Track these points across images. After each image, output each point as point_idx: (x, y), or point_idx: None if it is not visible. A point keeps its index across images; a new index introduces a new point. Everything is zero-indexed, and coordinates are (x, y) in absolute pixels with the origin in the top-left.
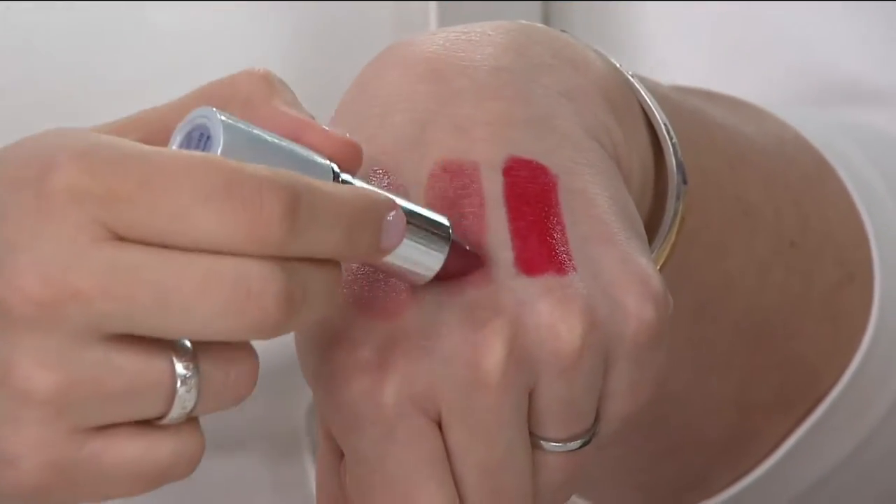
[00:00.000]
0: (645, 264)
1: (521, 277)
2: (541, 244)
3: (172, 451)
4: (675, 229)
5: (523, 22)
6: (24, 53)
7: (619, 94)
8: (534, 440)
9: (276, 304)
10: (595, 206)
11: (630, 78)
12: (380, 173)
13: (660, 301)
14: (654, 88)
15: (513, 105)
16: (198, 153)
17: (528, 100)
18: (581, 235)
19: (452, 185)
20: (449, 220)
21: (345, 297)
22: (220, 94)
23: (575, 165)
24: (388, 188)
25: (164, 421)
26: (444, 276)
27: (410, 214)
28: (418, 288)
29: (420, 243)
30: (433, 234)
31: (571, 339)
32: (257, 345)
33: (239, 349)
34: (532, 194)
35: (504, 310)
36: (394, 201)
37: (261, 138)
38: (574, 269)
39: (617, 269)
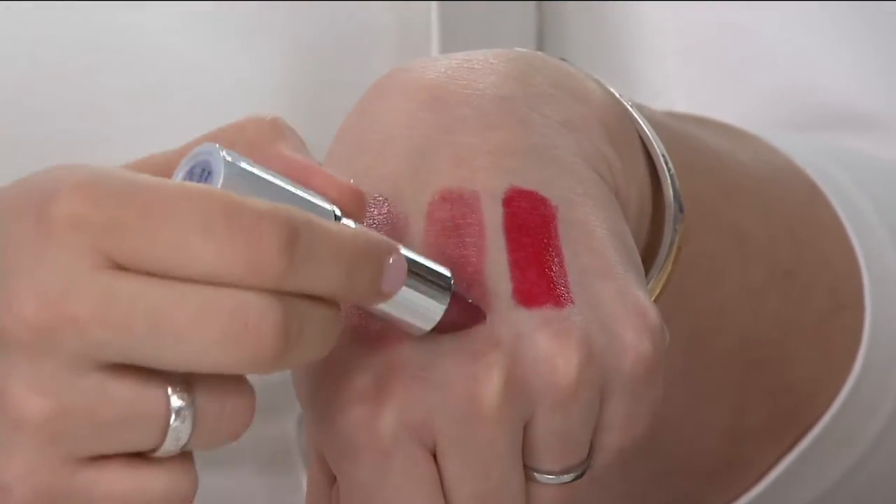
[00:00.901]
0: (642, 297)
1: (520, 309)
2: (539, 276)
3: (164, 487)
4: (671, 258)
5: (523, 50)
6: (19, 64)
7: (618, 124)
8: (528, 471)
9: (273, 336)
10: (594, 238)
11: (629, 107)
12: (380, 200)
13: (657, 334)
14: (651, 116)
15: (514, 134)
16: (199, 185)
17: (529, 129)
18: (580, 267)
19: (453, 214)
20: (451, 273)
21: (343, 324)
22: (227, 138)
23: (575, 196)
24: (387, 216)
25: (158, 453)
26: (444, 328)
27: (412, 263)
28: None
29: (420, 292)
30: (434, 284)
31: (568, 373)
32: None
33: (235, 383)
34: (532, 225)
35: (502, 342)
36: (396, 246)
37: (262, 177)
38: (572, 301)
39: (615, 302)
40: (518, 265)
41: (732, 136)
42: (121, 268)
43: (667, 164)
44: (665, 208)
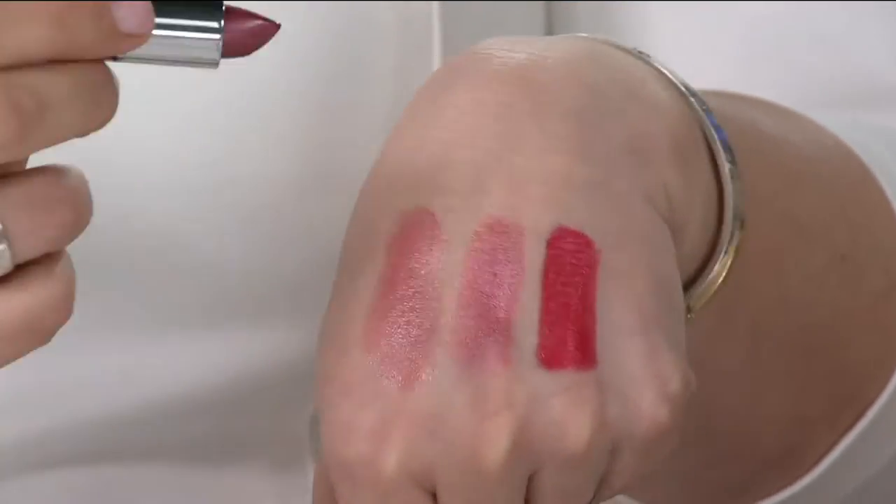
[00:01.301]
0: (669, 361)
1: (541, 370)
2: (567, 337)
3: (24, 305)
4: (728, 261)
5: (599, 41)
6: None
7: (688, 136)
8: None
9: (2, 117)
10: (632, 291)
11: (701, 112)
12: (430, 215)
13: (676, 402)
14: (716, 109)
15: (574, 162)
16: None
17: (589, 156)
18: (611, 323)
19: (496, 247)
20: None
21: (365, 344)
22: None
23: (622, 238)
24: (432, 235)
25: None
26: (235, 51)
27: None
28: (438, 360)
29: (188, 26)
30: (204, 10)
31: (578, 442)
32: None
33: (36, 175)
34: (572, 271)
35: (516, 404)
36: None
37: None
38: (595, 365)
39: (639, 365)
40: (549, 319)
41: (782, 116)
42: None
43: (732, 170)
44: (724, 219)
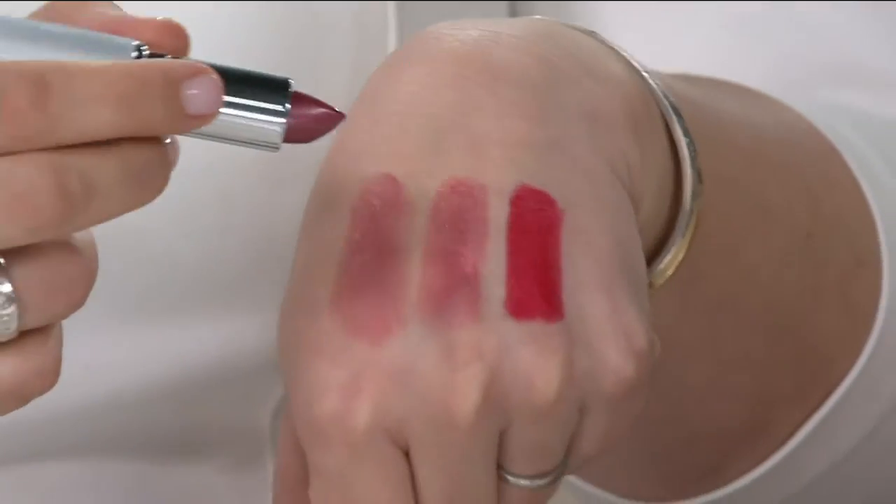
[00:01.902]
0: (634, 317)
1: (509, 320)
2: (534, 287)
3: (14, 370)
4: (687, 237)
5: (552, 22)
6: None
7: (643, 109)
8: (500, 473)
9: (50, 199)
10: (595, 248)
11: (655, 87)
12: (391, 179)
13: (643, 357)
14: (674, 88)
15: (532, 125)
16: None
17: (547, 121)
18: (576, 278)
19: (459, 206)
20: (289, 78)
21: (334, 305)
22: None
23: (584, 199)
24: (394, 196)
25: None
26: (299, 138)
27: (238, 78)
28: (406, 314)
29: (255, 107)
30: (271, 94)
31: (547, 391)
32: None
33: (56, 251)
34: (536, 229)
35: (486, 354)
36: (201, 66)
37: (38, 29)
38: (562, 316)
39: (604, 320)
40: (515, 271)
41: (747, 97)
42: None
43: (690, 145)
44: (683, 193)
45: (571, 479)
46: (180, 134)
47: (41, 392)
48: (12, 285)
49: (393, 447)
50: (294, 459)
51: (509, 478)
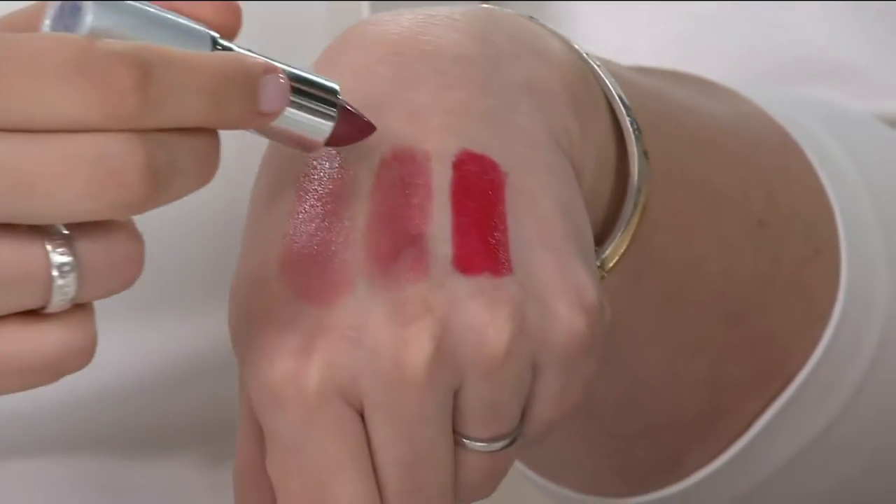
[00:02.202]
0: (582, 273)
1: (457, 276)
2: (480, 243)
3: (60, 341)
4: (634, 220)
5: (489, 6)
6: None
7: (582, 85)
8: (457, 438)
9: (139, 178)
10: (540, 209)
11: (596, 67)
12: (332, 154)
13: (592, 312)
14: (619, 74)
15: (471, 95)
16: (48, 34)
17: (486, 91)
18: (522, 237)
19: (402, 173)
20: (338, 84)
21: (282, 273)
22: None
23: (526, 163)
24: (338, 169)
25: (48, 310)
26: (336, 142)
27: (296, 79)
28: (353, 275)
29: (306, 109)
30: (321, 98)
31: (498, 344)
32: (196, 335)
33: (119, 230)
34: (479, 190)
35: (435, 308)
36: (272, 65)
37: (133, 10)
38: (510, 271)
39: (553, 276)
40: (460, 230)
41: (704, 88)
42: None
43: (633, 124)
44: (630, 171)
45: (531, 474)
46: (248, 129)
47: (77, 369)
48: (75, 257)
49: (347, 408)
50: (252, 444)
51: (466, 442)
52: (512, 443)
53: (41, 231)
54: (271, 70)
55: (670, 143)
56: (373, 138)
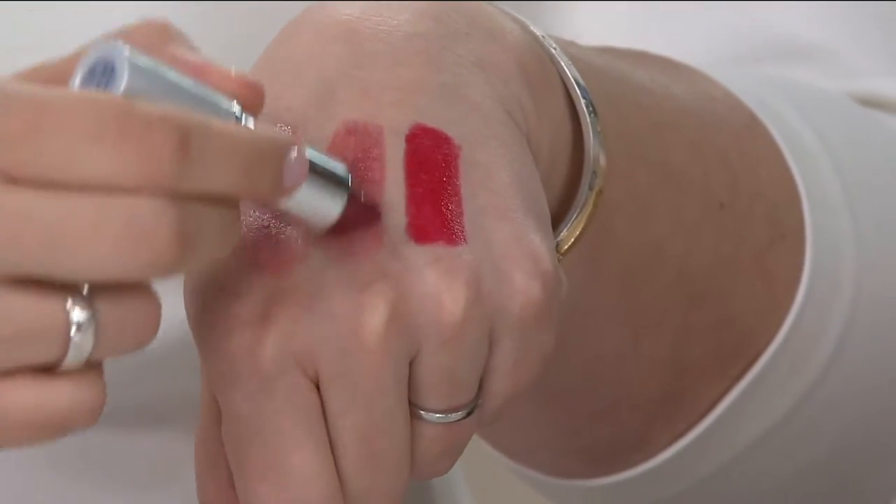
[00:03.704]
0: (538, 243)
1: (411, 245)
2: (434, 213)
3: (71, 399)
4: (590, 202)
5: None
6: None
7: (536, 65)
8: (413, 409)
9: (168, 242)
10: (495, 180)
11: (551, 49)
12: (285, 130)
13: (549, 280)
14: (577, 56)
15: (424, 72)
16: (87, 92)
17: (440, 67)
18: (477, 208)
19: (355, 147)
20: (349, 170)
21: (238, 248)
22: None
23: (480, 137)
24: (294, 143)
25: (62, 367)
26: (340, 227)
27: (312, 157)
28: (307, 246)
29: (320, 189)
30: (334, 181)
31: (454, 310)
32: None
33: (138, 292)
34: (432, 163)
35: (390, 275)
36: (297, 141)
37: (165, 75)
38: (465, 240)
39: (509, 245)
40: (414, 200)
41: (668, 69)
42: (12, 181)
43: (589, 106)
44: (585, 154)
45: (503, 458)
46: (267, 202)
47: (83, 428)
48: (94, 315)
49: (303, 378)
50: (211, 416)
51: (422, 413)
52: (468, 415)
53: (63, 287)
54: (292, 146)
55: (629, 125)
56: (325, 113)
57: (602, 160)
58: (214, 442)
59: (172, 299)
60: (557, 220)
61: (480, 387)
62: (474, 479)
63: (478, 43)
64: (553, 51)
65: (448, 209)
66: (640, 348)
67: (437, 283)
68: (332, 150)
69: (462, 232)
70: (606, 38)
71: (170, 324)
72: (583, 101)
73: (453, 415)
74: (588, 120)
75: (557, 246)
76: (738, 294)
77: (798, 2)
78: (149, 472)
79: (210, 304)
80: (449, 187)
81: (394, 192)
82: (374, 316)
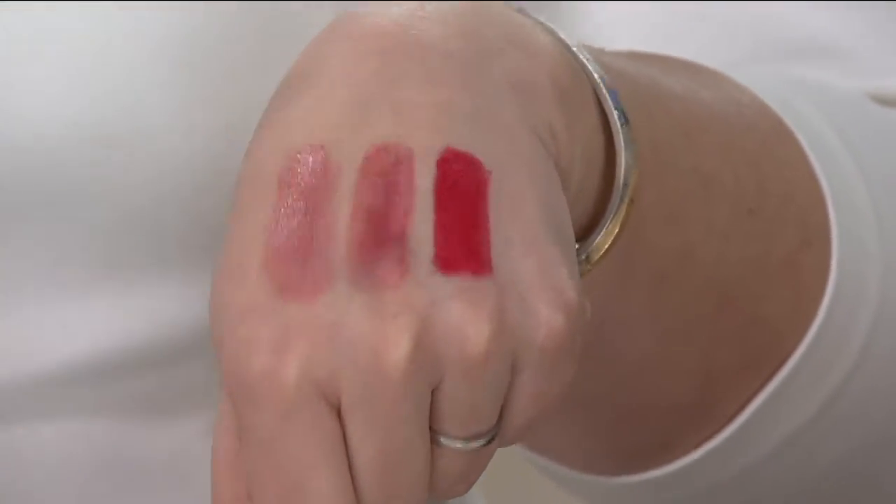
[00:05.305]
0: (563, 274)
1: (437, 275)
2: (462, 243)
3: None
4: (622, 213)
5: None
6: None
7: (569, 79)
8: (434, 435)
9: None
10: (523, 209)
11: (583, 59)
12: (317, 147)
13: (572, 312)
14: (608, 63)
15: (457, 94)
16: None
17: (473, 90)
18: (504, 237)
19: (385, 169)
20: None
21: (263, 268)
22: None
23: (510, 164)
24: (322, 164)
25: None
26: None
27: None
28: (334, 273)
29: None
30: None
31: (478, 343)
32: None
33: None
34: (462, 189)
35: (415, 306)
36: None
37: None
38: (491, 271)
39: (534, 276)
40: (442, 229)
41: (694, 73)
42: None
43: (621, 117)
44: (616, 168)
45: (528, 453)
46: None
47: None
48: None
49: (325, 405)
50: (230, 435)
51: (442, 440)
52: (489, 442)
53: None
54: None
55: (660, 131)
56: (357, 134)
57: (633, 173)
58: (234, 457)
59: (181, 294)
60: (590, 228)
61: (501, 413)
62: (487, 480)
63: (512, 61)
64: (585, 61)
65: (475, 239)
66: (669, 354)
67: (461, 315)
68: (362, 173)
69: (488, 262)
70: (626, 37)
71: (183, 320)
72: (615, 112)
73: (474, 442)
74: (619, 130)
75: (588, 257)
76: (768, 298)
77: (816, 1)
78: (164, 469)
79: (234, 326)
80: (477, 216)
81: (422, 220)
82: (398, 349)
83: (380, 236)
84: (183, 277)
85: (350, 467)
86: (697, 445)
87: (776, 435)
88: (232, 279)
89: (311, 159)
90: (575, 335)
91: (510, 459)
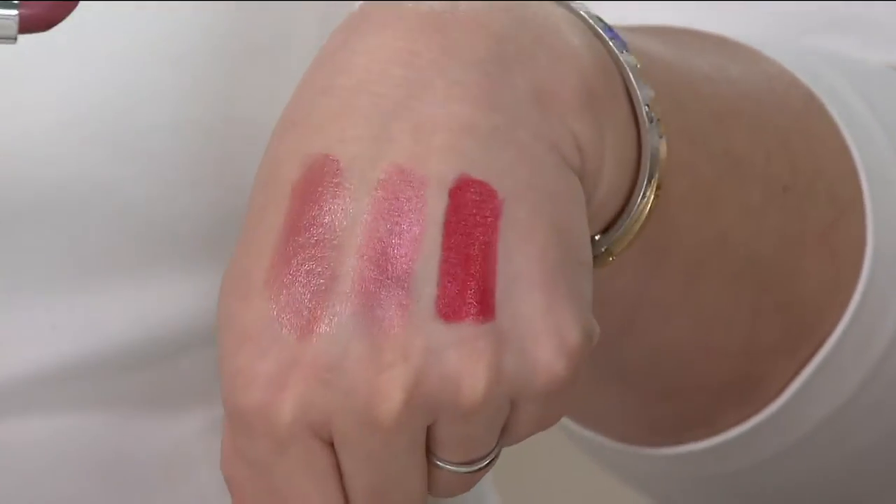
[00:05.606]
0: (568, 313)
1: (438, 322)
2: (465, 288)
3: None
4: (644, 213)
5: None
6: None
7: (601, 80)
8: (432, 458)
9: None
10: (534, 237)
11: (618, 55)
12: (335, 162)
13: (574, 356)
14: (641, 49)
15: (477, 111)
16: None
17: (494, 105)
18: (511, 273)
19: (398, 196)
20: None
21: (266, 286)
22: None
23: (525, 189)
24: (337, 182)
25: None
26: (37, 26)
27: None
28: (337, 310)
29: None
30: None
31: (473, 395)
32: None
33: None
34: (473, 222)
35: (411, 356)
36: None
37: None
38: (493, 317)
39: (537, 318)
40: (448, 271)
41: (726, 49)
42: None
43: (651, 118)
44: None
45: (566, 421)
46: None
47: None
48: None
49: (317, 441)
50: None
51: (440, 463)
52: (490, 463)
53: None
54: None
55: (692, 118)
56: (375, 151)
57: (657, 170)
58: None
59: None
60: (616, 217)
61: (501, 431)
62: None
63: (539, 68)
64: (620, 57)
65: (480, 283)
66: (708, 337)
67: (458, 366)
68: (376, 196)
69: (491, 308)
70: (650, 15)
71: (178, 317)
72: (644, 108)
73: (472, 466)
74: (647, 126)
75: (610, 249)
76: (805, 275)
77: None
78: (162, 466)
79: (234, 352)
80: (486, 256)
81: (428, 257)
82: (390, 400)
83: (384, 274)
84: (178, 274)
85: (345, 493)
86: (737, 423)
87: (817, 413)
88: (238, 289)
89: (326, 175)
90: (576, 375)
91: (522, 453)
